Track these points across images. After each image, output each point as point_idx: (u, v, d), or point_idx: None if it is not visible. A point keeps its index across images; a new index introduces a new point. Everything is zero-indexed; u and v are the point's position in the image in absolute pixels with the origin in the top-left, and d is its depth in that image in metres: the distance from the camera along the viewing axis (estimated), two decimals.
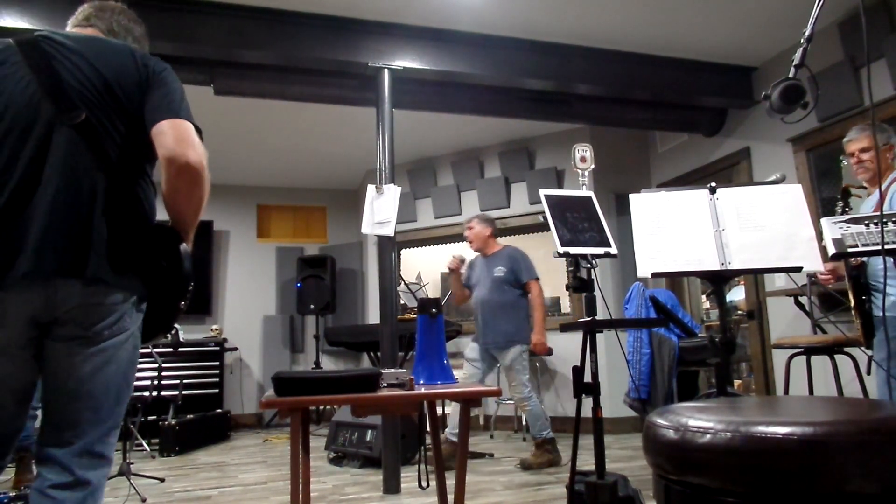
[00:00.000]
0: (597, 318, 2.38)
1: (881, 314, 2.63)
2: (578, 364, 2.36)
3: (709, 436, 1.09)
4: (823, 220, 2.06)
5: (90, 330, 1.34)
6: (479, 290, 4.38)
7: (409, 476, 3.67)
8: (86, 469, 1.34)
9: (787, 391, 3.48)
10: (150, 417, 5.54)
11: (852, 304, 2.77)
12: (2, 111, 1.37)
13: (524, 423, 5.46)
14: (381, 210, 3.82)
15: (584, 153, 2.73)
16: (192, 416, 5.46)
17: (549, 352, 4.44)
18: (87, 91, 1.39)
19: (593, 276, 2.41)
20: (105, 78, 1.42)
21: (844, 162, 3.02)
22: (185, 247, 1.47)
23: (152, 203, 1.50)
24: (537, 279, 4.34)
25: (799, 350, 3.36)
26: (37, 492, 1.30)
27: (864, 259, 2.72)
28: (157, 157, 1.43)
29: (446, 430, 4.25)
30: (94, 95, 1.40)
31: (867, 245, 1.91)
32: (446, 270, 4.52)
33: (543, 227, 2.45)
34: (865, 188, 2.97)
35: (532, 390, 4.29)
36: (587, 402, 2.33)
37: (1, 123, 1.36)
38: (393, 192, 3.84)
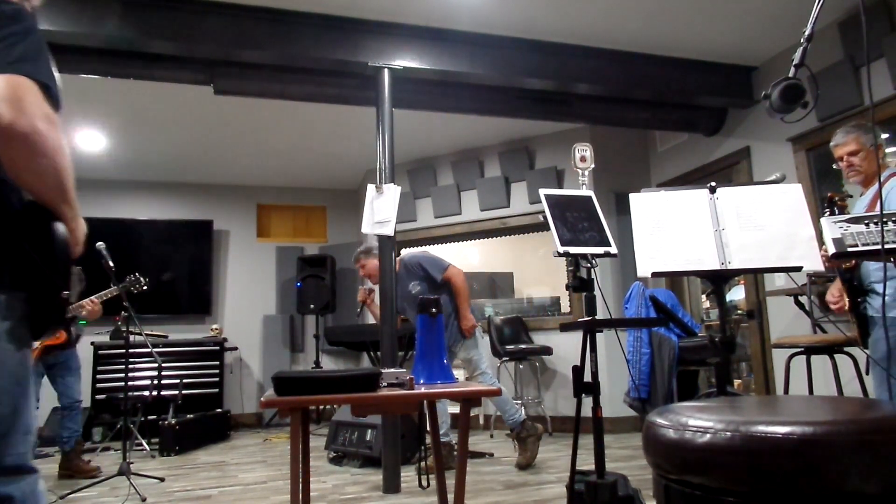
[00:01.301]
0: (597, 317, 2.38)
1: (875, 314, 2.63)
2: (578, 364, 2.36)
3: (709, 435, 1.09)
4: (823, 220, 2.06)
5: None
6: (411, 311, 4.28)
7: (409, 476, 3.67)
8: (4, 485, 1.17)
9: (786, 391, 3.48)
10: (150, 417, 5.54)
11: (847, 306, 2.77)
12: None
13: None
14: (381, 210, 3.82)
15: (584, 153, 2.73)
16: (192, 415, 5.46)
17: (476, 325, 4.28)
18: None
19: (593, 276, 2.41)
20: None
21: (835, 166, 3.02)
22: (60, 226, 1.22)
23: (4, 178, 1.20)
24: (448, 266, 4.21)
25: (799, 350, 3.36)
26: None
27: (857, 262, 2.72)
28: None
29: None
30: None
31: (867, 245, 1.91)
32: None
33: (543, 226, 2.45)
34: (851, 196, 2.97)
35: (494, 377, 4.25)
36: (587, 402, 2.33)
37: None
38: (393, 192, 3.84)
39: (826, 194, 3.06)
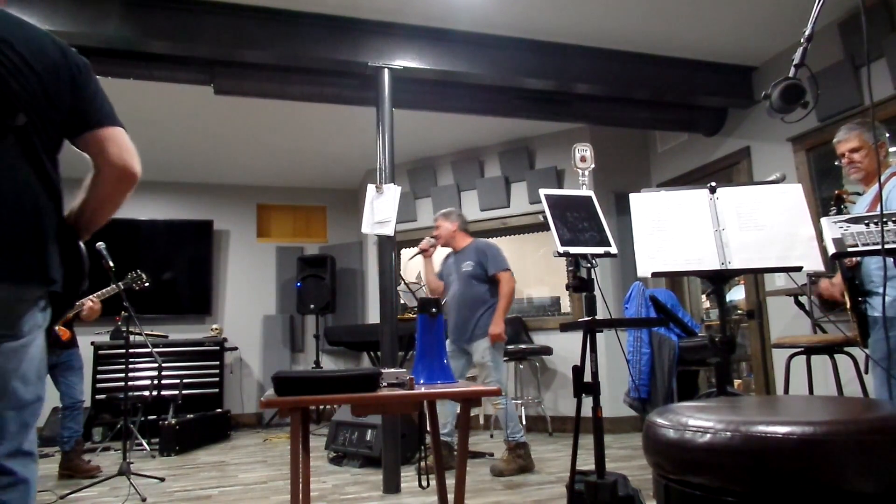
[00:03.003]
0: (597, 317, 2.38)
1: (875, 314, 2.63)
2: (578, 364, 2.36)
3: (709, 435, 1.09)
4: (823, 220, 2.06)
5: (12, 327, 1.31)
6: (451, 286, 4.29)
7: (409, 476, 3.67)
8: (21, 467, 1.31)
9: (787, 391, 3.48)
10: (150, 417, 5.54)
11: (848, 305, 2.77)
12: None
13: (524, 423, 5.47)
14: (381, 210, 3.82)
15: (584, 153, 2.73)
16: (192, 415, 5.46)
17: (505, 342, 4.21)
18: (26, 94, 1.31)
19: (593, 276, 2.41)
20: (42, 80, 1.34)
21: (837, 163, 3.01)
22: (82, 245, 1.47)
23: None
24: (507, 269, 4.20)
25: (799, 349, 3.36)
26: None
27: (859, 260, 2.71)
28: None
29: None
30: (31, 98, 1.33)
31: (867, 244, 1.91)
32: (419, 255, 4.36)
33: (543, 226, 2.45)
34: (860, 193, 2.96)
35: (506, 391, 4.14)
36: (587, 402, 2.33)
37: None
38: (393, 192, 3.84)
39: (834, 192, 3.06)
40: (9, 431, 1.30)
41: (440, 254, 4.48)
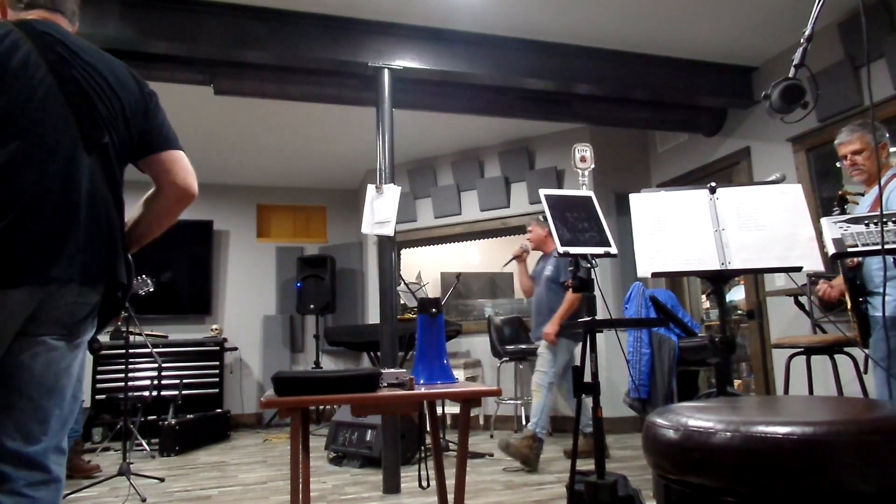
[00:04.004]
0: (597, 318, 2.38)
1: (876, 314, 2.63)
2: (578, 364, 2.36)
3: (709, 436, 1.09)
4: (823, 220, 2.06)
5: (72, 328, 1.38)
6: (536, 287, 4.55)
7: (409, 476, 3.67)
8: (56, 465, 1.36)
9: (787, 391, 3.48)
10: (150, 417, 5.54)
11: (849, 305, 2.77)
12: (22, 105, 1.34)
13: (524, 423, 5.48)
14: (381, 210, 3.82)
15: (584, 153, 2.73)
16: (192, 415, 5.46)
17: (555, 344, 4.30)
18: (111, 118, 1.46)
19: (593, 276, 2.41)
20: (122, 105, 1.49)
21: (839, 164, 3.01)
22: (129, 257, 1.58)
23: None
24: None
25: (799, 350, 3.36)
26: (11, 493, 1.27)
27: (861, 260, 2.72)
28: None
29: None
30: (114, 121, 1.47)
31: (867, 245, 1.91)
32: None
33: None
34: (863, 194, 2.96)
35: (547, 386, 4.20)
36: (587, 402, 2.33)
37: (22, 120, 1.33)
38: (393, 192, 3.84)
39: (836, 192, 3.06)
40: (52, 428, 1.35)
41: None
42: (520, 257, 4.56)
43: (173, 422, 5.12)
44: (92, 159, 1.42)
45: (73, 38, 1.49)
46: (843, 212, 2.88)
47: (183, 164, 1.57)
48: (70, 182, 1.37)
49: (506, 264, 4.75)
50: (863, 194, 2.96)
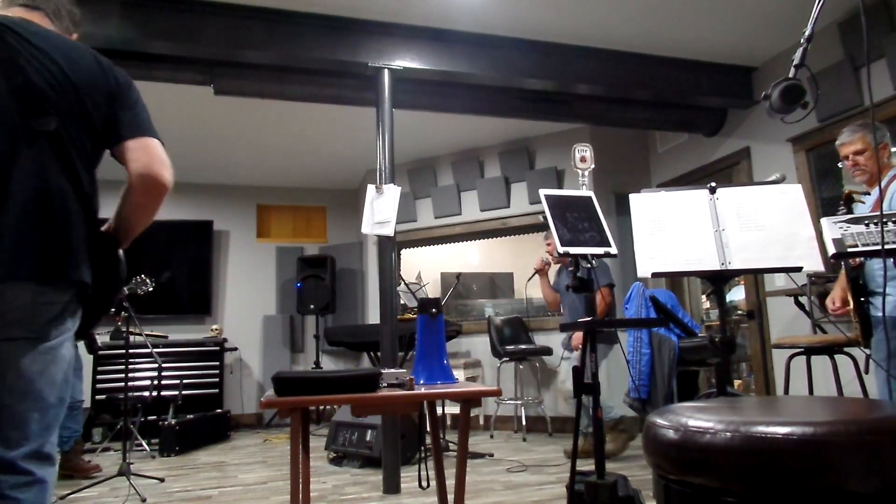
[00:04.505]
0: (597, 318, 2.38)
1: (878, 314, 2.63)
2: (578, 364, 2.36)
3: (709, 436, 1.09)
4: (823, 220, 2.06)
5: (39, 329, 1.33)
6: (565, 297, 4.57)
7: (409, 476, 3.67)
8: (40, 469, 1.32)
9: (787, 391, 3.48)
10: (150, 417, 5.54)
11: (851, 305, 2.77)
12: None
13: (524, 423, 5.48)
14: (381, 210, 3.82)
15: (584, 153, 2.73)
16: (192, 416, 5.46)
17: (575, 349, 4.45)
18: (63, 104, 1.36)
19: (593, 276, 2.41)
20: (77, 90, 1.39)
21: (840, 164, 3.01)
22: (121, 252, 1.51)
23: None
24: (608, 285, 4.35)
25: (799, 350, 3.36)
26: None
27: (863, 260, 2.71)
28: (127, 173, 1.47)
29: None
30: (67, 107, 1.37)
31: (867, 245, 1.91)
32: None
33: (543, 227, 2.45)
34: (868, 193, 2.96)
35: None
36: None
37: None
38: (393, 192, 3.84)
39: (841, 192, 3.05)
40: (32, 432, 1.31)
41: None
42: (542, 271, 4.58)
43: (173, 422, 5.12)
44: (40, 149, 1.33)
45: (30, 27, 1.41)
46: (850, 212, 2.88)
47: (151, 152, 1.45)
48: (3, 173, 1.29)
49: (529, 279, 4.77)
50: (868, 193, 2.96)
